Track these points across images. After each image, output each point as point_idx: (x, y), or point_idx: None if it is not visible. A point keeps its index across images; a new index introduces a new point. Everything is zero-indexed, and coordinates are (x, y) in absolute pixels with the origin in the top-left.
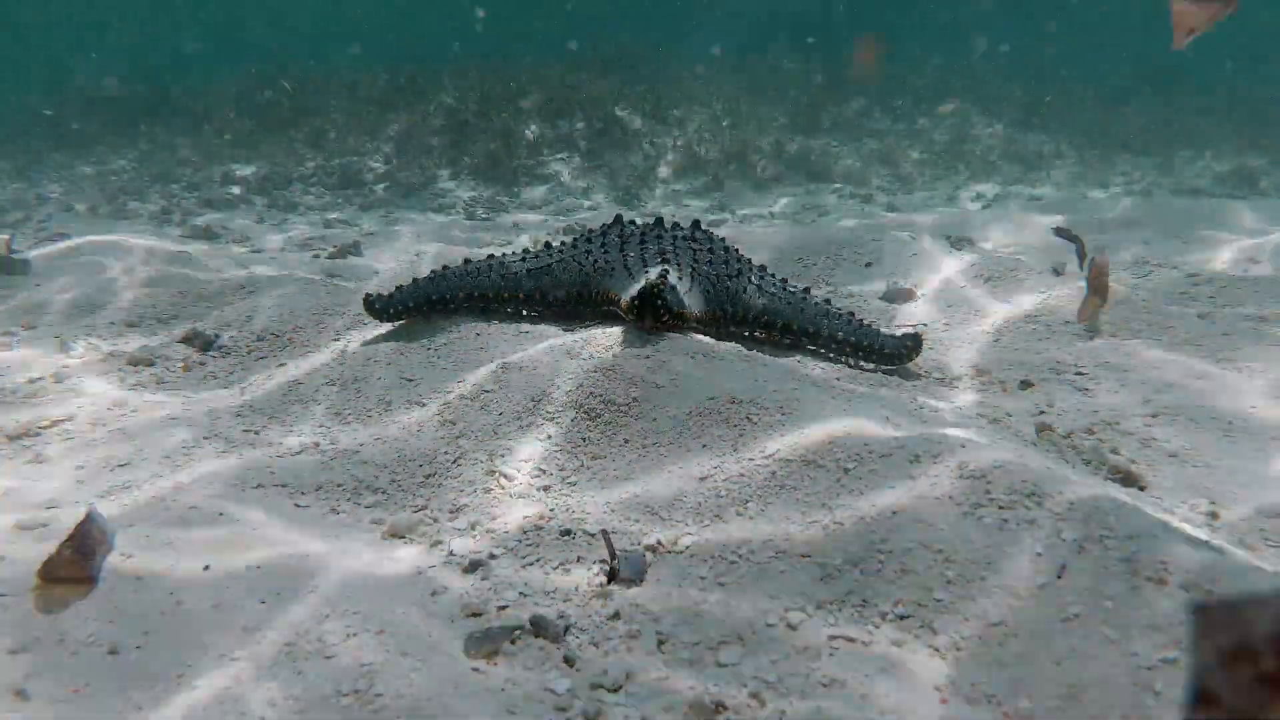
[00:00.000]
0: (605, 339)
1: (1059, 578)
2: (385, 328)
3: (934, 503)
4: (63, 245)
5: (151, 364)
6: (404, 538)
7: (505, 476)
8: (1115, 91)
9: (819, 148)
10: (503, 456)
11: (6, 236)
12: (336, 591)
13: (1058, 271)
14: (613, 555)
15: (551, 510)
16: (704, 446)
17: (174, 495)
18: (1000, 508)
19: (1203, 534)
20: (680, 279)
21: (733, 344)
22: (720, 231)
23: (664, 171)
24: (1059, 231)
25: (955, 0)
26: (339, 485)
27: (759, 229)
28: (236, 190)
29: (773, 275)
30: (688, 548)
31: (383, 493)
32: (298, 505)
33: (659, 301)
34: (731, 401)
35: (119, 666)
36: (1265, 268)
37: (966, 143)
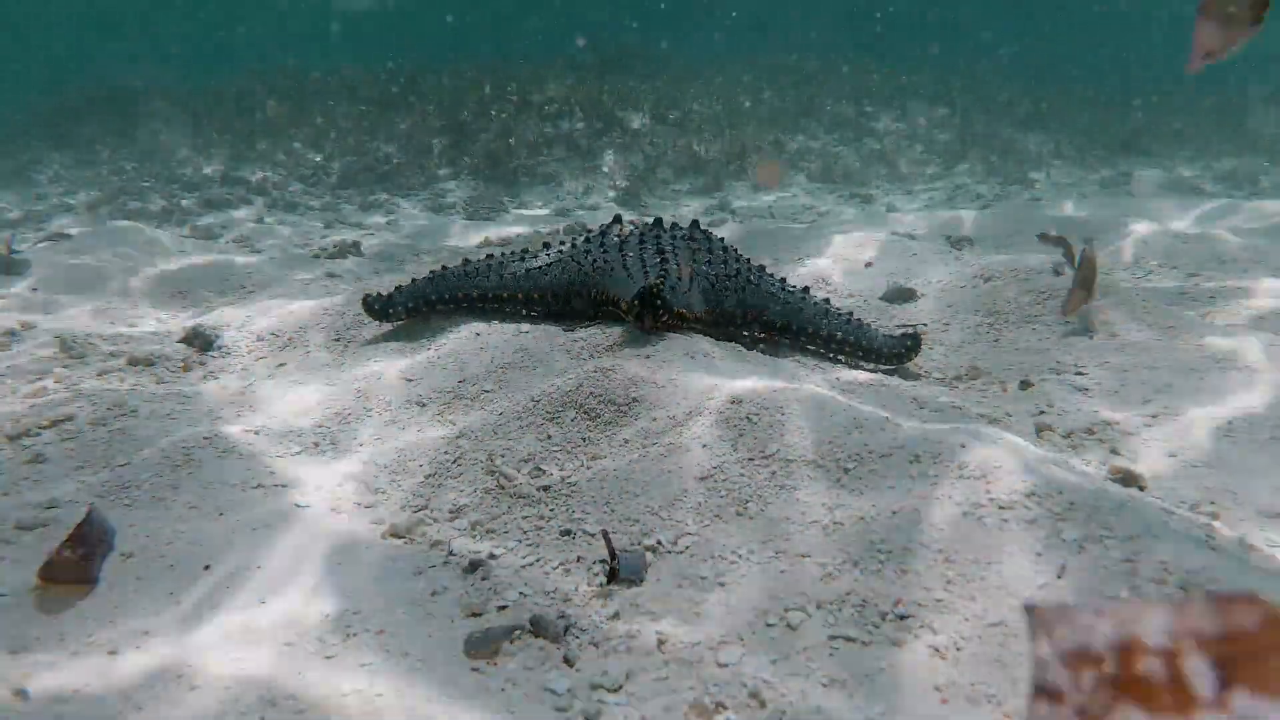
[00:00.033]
0: (606, 339)
1: (1059, 578)
2: (385, 328)
3: (934, 503)
4: (62, 245)
5: (152, 364)
6: (404, 538)
7: (505, 476)
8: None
9: (818, 147)
10: (502, 456)
11: (6, 236)
12: (336, 591)
13: (1057, 271)
14: (613, 555)
15: (551, 510)
16: (704, 446)
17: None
18: (1000, 508)
19: (1202, 534)
20: (680, 279)
21: (733, 344)
22: (720, 232)
23: (664, 172)
24: (1044, 238)
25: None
26: (339, 485)
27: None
28: (237, 190)
29: (771, 275)
30: (688, 548)
31: (383, 492)
32: (298, 505)
33: (658, 301)
34: (731, 401)
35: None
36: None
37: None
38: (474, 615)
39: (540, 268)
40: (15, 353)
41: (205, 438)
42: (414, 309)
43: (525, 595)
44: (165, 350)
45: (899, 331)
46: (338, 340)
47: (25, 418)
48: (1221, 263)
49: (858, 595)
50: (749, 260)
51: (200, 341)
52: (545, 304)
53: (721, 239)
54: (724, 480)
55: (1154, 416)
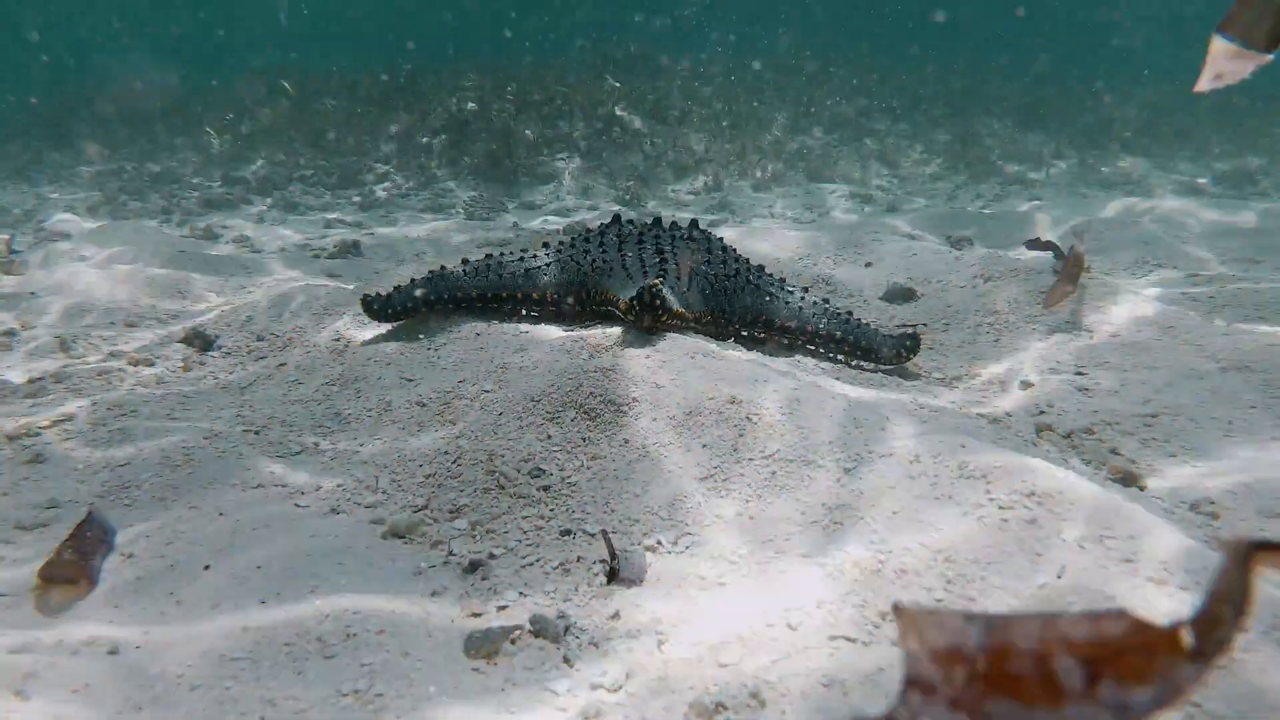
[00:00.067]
0: (605, 339)
1: (1059, 578)
2: (385, 328)
3: (934, 503)
4: (63, 245)
5: (152, 364)
6: (404, 538)
7: (505, 476)
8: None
9: (818, 146)
10: (502, 456)
11: (6, 236)
12: (337, 591)
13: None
14: (613, 555)
15: (551, 510)
16: (704, 446)
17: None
18: (1000, 507)
19: (1203, 534)
20: (679, 279)
21: (732, 344)
22: (720, 232)
23: (663, 171)
24: (1031, 244)
25: None
26: (339, 485)
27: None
28: (236, 190)
29: (770, 275)
30: (688, 548)
31: (383, 493)
32: (298, 505)
33: (657, 301)
34: (731, 401)
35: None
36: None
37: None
38: (474, 615)
39: (540, 268)
40: (15, 353)
41: (205, 438)
42: (413, 309)
43: (525, 595)
44: (165, 350)
45: (899, 331)
46: (337, 340)
47: (25, 418)
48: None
49: (858, 595)
50: (748, 260)
51: (200, 341)
52: (545, 304)
53: (721, 239)
54: (724, 480)
55: (1154, 416)
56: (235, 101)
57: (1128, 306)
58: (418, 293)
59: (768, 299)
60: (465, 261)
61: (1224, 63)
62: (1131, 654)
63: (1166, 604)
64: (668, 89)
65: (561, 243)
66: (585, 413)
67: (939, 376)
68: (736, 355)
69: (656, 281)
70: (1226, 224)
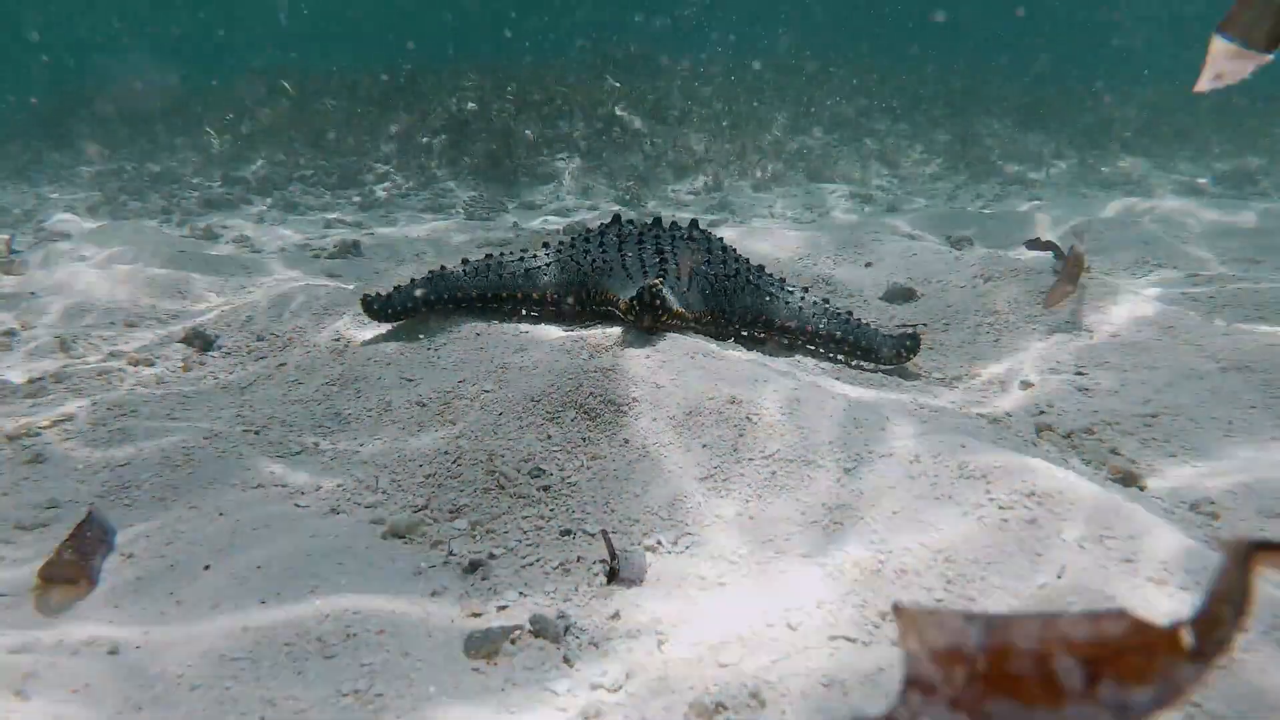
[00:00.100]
0: (605, 339)
1: (1059, 578)
2: (385, 328)
3: (934, 503)
4: (63, 245)
5: (152, 364)
6: (404, 538)
7: (505, 476)
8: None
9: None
10: (502, 456)
11: (6, 236)
12: (337, 591)
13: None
14: (613, 555)
15: (551, 510)
16: (704, 446)
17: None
18: (1000, 507)
19: (1203, 534)
20: (678, 279)
21: (732, 344)
22: (720, 232)
23: (663, 171)
24: (1031, 244)
25: None
26: (339, 485)
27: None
28: (236, 190)
29: (770, 275)
30: (688, 548)
31: (383, 493)
32: (298, 505)
33: (657, 301)
34: (731, 401)
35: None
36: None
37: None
38: (474, 615)
39: (539, 267)
40: (15, 352)
41: (205, 438)
42: (413, 309)
43: (525, 595)
44: (165, 350)
45: (899, 331)
46: (337, 340)
47: (25, 418)
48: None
49: (858, 595)
50: (748, 260)
51: (200, 341)
52: (544, 304)
53: (720, 239)
54: (724, 480)
55: (1154, 416)
56: (235, 101)
57: (1128, 306)
58: (418, 293)
59: (768, 299)
60: (465, 261)
61: (1224, 63)
62: (1131, 654)
63: (1166, 604)
64: (668, 89)
65: (561, 243)
66: (585, 413)
67: (939, 376)
68: (736, 355)
69: (656, 281)
70: (1226, 224)
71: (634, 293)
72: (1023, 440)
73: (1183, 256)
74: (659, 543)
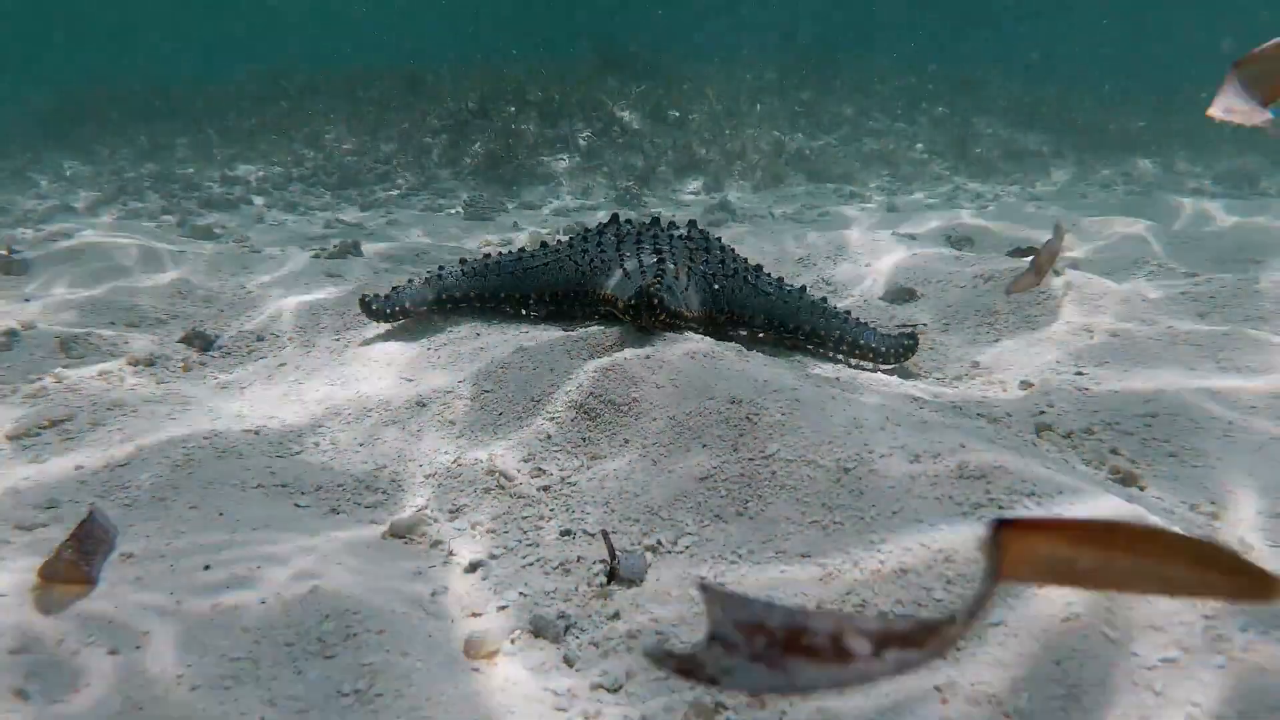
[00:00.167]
0: (605, 339)
1: None
2: (385, 328)
3: (934, 503)
4: (63, 245)
5: (152, 364)
6: (404, 538)
7: (505, 476)
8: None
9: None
10: (502, 456)
11: (7, 237)
12: (336, 591)
13: (1058, 273)
14: (613, 555)
15: (551, 510)
16: (704, 446)
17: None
18: (1000, 508)
19: (1203, 535)
20: (677, 278)
21: (732, 344)
22: (719, 232)
23: (664, 171)
24: (1015, 253)
25: None
26: (339, 485)
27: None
28: (236, 190)
29: (769, 274)
30: (688, 548)
31: (383, 493)
32: (298, 505)
33: (655, 301)
34: (731, 401)
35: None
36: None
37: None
38: (474, 615)
39: (539, 267)
40: (15, 353)
41: (205, 438)
42: (413, 309)
43: (525, 595)
44: (165, 350)
45: (898, 331)
46: (337, 340)
47: (25, 418)
48: (1221, 263)
49: (858, 595)
50: (746, 260)
51: (200, 341)
52: (544, 303)
53: (719, 239)
54: (724, 480)
55: (1154, 416)
56: (235, 101)
57: (1127, 306)
58: (416, 293)
59: (766, 298)
60: (464, 261)
61: (1233, 99)
62: (912, 637)
63: (1166, 604)
64: (668, 89)
65: (560, 242)
66: (585, 413)
67: (939, 376)
68: (735, 355)
69: (655, 281)
70: (1227, 224)
71: (633, 293)
72: (1023, 440)
73: (1182, 257)
74: (659, 543)
